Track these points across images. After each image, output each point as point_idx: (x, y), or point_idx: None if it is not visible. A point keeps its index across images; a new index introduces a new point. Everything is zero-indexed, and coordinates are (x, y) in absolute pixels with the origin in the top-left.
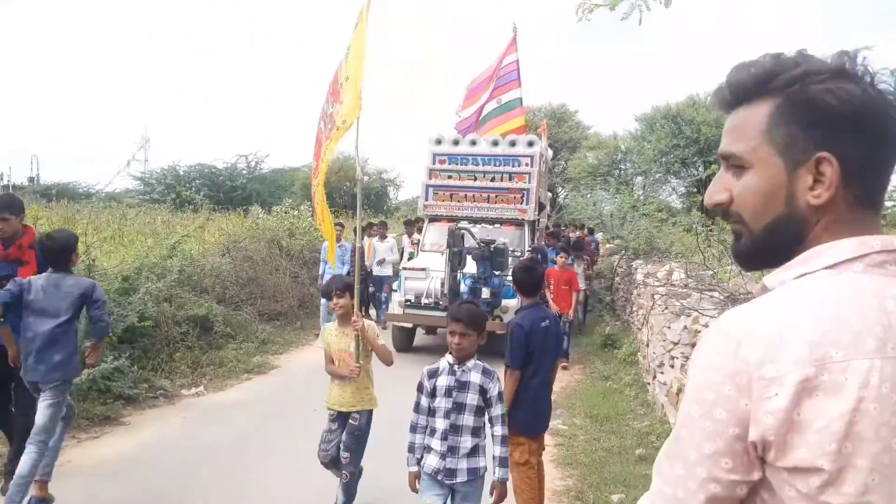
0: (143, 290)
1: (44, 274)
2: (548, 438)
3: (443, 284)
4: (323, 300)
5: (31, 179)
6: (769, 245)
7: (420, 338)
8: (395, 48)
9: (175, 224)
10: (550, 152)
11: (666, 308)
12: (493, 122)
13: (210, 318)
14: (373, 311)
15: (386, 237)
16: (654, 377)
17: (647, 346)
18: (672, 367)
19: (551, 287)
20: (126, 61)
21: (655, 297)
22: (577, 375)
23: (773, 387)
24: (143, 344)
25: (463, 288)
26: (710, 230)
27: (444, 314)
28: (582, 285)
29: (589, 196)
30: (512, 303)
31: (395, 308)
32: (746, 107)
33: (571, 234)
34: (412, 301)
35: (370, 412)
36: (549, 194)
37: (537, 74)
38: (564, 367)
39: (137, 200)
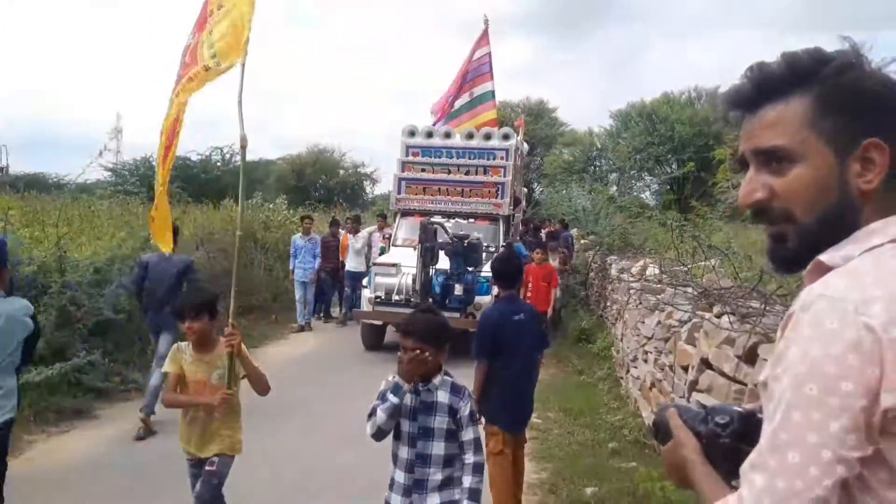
0: (115, 282)
1: None
2: None
3: (414, 281)
4: (298, 294)
5: None
6: (822, 237)
7: (391, 335)
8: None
9: (147, 216)
10: (526, 147)
11: (640, 303)
12: (465, 117)
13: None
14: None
15: (359, 231)
16: (628, 371)
17: (621, 340)
18: (645, 361)
19: (529, 285)
20: (98, 47)
21: (630, 292)
22: (552, 370)
23: None
24: (115, 337)
25: (435, 284)
26: (684, 226)
27: None
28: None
29: (564, 192)
30: (486, 300)
31: (365, 305)
32: (778, 102)
33: (543, 230)
34: (382, 298)
35: (232, 458)
36: (525, 189)
37: (513, 68)
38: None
39: (109, 192)
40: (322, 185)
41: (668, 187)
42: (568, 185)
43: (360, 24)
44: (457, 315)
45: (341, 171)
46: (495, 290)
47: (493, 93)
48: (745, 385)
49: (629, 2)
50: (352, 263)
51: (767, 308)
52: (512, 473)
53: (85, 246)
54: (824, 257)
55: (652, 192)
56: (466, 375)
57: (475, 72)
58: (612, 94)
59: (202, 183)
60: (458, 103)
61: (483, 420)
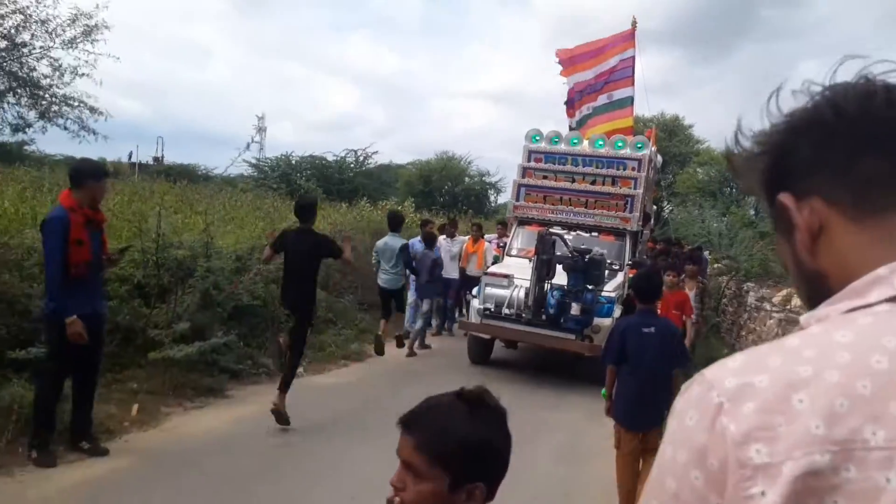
0: (254, 270)
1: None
2: None
3: (527, 295)
4: (412, 297)
5: (156, 159)
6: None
7: (499, 351)
8: None
9: (286, 210)
10: (660, 158)
11: (783, 334)
12: (600, 119)
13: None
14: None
15: (454, 235)
16: None
17: None
18: None
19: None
20: (246, 49)
21: (771, 321)
22: None
23: (759, 480)
24: (251, 322)
25: (550, 301)
26: None
27: (526, 328)
28: (695, 310)
29: (697, 212)
30: (605, 322)
31: (473, 316)
32: None
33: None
34: (492, 310)
35: None
36: (654, 207)
37: (648, 83)
38: None
39: (251, 185)
40: (448, 192)
41: None
42: (701, 206)
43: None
44: (572, 337)
45: (467, 179)
46: (617, 312)
47: (632, 99)
48: None
49: (775, 19)
50: (450, 270)
51: None
52: (634, 472)
53: (229, 234)
54: (805, 317)
55: None
56: (577, 404)
57: (620, 73)
58: (753, 115)
59: (336, 182)
60: (594, 104)
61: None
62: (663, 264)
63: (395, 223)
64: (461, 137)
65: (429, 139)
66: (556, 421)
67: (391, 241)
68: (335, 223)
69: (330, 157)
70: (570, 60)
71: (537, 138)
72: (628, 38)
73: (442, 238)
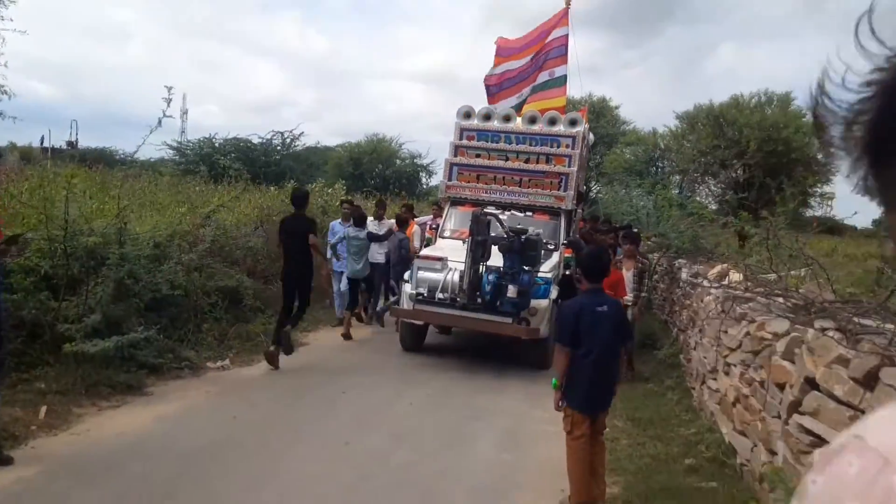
0: (174, 258)
1: None
2: None
3: (462, 278)
4: (337, 286)
5: (69, 144)
6: None
7: (433, 336)
8: None
9: (209, 194)
10: (592, 136)
11: (723, 311)
12: (535, 97)
13: (240, 290)
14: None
15: (383, 218)
16: (703, 383)
17: (694, 349)
18: (727, 374)
19: None
20: (166, 29)
21: (709, 298)
22: None
23: None
24: (171, 313)
25: (485, 284)
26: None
27: (461, 313)
28: (629, 294)
29: (624, 192)
30: (543, 303)
31: (405, 302)
32: None
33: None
34: (424, 295)
35: None
36: (585, 187)
37: (574, 65)
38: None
39: (173, 169)
40: (378, 174)
41: (734, 191)
42: (628, 186)
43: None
44: (509, 321)
45: (398, 161)
46: (554, 293)
47: (565, 77)
48: (862, 412)
49: (697, 2)
50: (376, 255)
51: None
52: (587, 456)
53: (146, 220)
54: None
55: (714, 197)
56: (516, 388)
57: (556, 51)
58: (677, 96)
59: (262, 165)
60: (534, 84)
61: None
62: (611, 242)
63: (360, 219)
64: (392, 120)
65: (359, 122)
66: (497, 406)
67: (359, 233)
68: (261, 206)
69: (256, 140)
70: (507, 49)
71: (470, 115)
72: (562, 16)
73: (370, 220)
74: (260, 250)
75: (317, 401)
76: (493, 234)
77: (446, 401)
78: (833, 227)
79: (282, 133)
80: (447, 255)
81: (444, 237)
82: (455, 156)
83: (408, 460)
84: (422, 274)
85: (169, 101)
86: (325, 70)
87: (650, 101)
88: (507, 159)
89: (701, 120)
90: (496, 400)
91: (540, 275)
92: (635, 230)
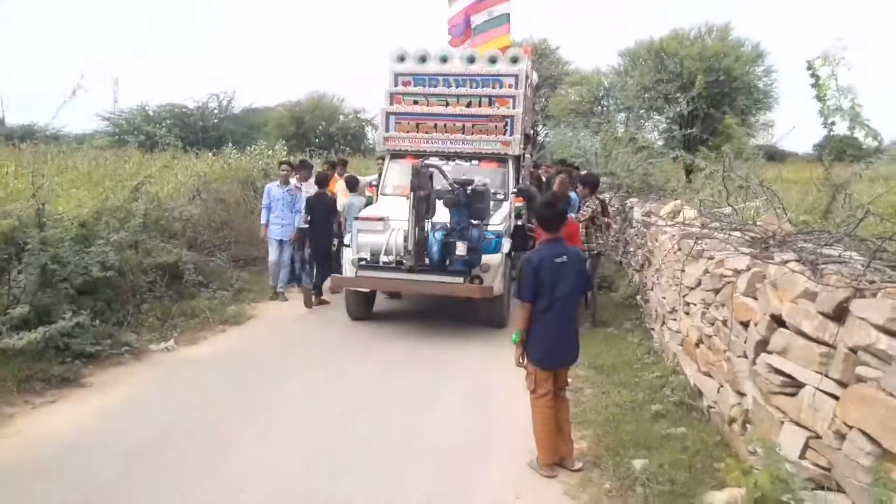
0: (103, 237)
1: None
2: None
3: (406, 238)
4: (272, 255)
5: None
6: None
7: (382, 302)
8: None
9: (139, 165)
10: (536, 76)
11: (679, 249)
12: (479, 38)
13: (180, 265)
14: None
15: (309, 178)
16: (664, 324)
17: (652, 289)
18: (687, 314)
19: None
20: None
21: (664, 236)
22: None
23: None
24: (106, 295)
25: (432, 243)
26: (715, 168)
27: (408, 276)
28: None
29: (571, 134)
30: (495, 259)
31: (347, 268)
32: None
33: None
34: (367, 260)
35: None
36: (532, 131)
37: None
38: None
39: (107, 142)
40: (322, 132)
41: (679, 126)
42: (574, 127)
43: None
44: (460, 280)
45: (341, 117)
46: (506, 246)
47: (508, 16)
48: (834, 347)
49: None
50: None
51: (876, 258)
52: (553, 413)
53: (63, 199)
54: None
55: (660, 132)
56: (476, 346)
57: None
58: (620, 33)
59: (199, 131)
60: (475, 19)
61: (522, 357)
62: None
63: (353, 184)
64: (333, 77)
65: (301, 81)
66: (457, 367)
67: (356, 201)
68: (200, 174)
69: (191, 105)
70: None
71: (404, 59)
72: None
73: (293, 181)
74: (199, 220)
75: (268, 378)
76: (436, 188)
77: (405, 365)
78: (774, 154)
79: (217, 96)
80: (389, 213)
81: (385, 194)
82: (391, 104)
83: (369, 431)
84: (363, 237)
85: (115, 80)
86: (264, 30)
87: (591, 40)
88: (447, 104)
89: (642, 56)
90: (456, 360)
91: (490, 228)
92: (583, 171)
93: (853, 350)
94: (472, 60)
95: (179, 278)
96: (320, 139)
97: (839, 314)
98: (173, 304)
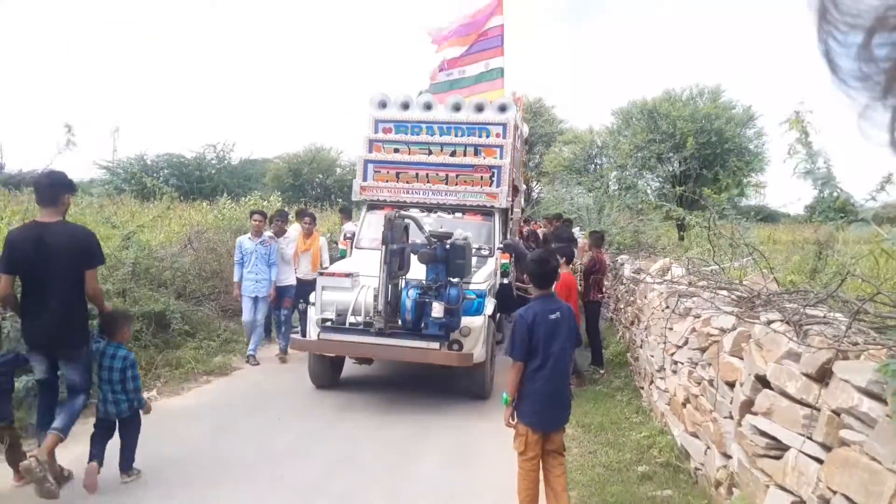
0: None
1: None
2: None
3: (376, 297)
4: (246, 315)
5: None
6: None
7: (350, 368)
8: None
9: (133, 213)
10: (526, 128)
11: (667, 307)
12: (476, 88)
13: (167, 314)
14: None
15: (285, 231)
16: (651, 382)
17: (641, 347)
18: (675, 372)
19: None
20: (95, 50)
21: (652, 294)
22: None
23: None
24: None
25: (405, 301)
26: (705, 224)
27: (377, 339)
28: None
29: (565, 190)
30: (476, 321)
31: (311, 329)
32: None
33: (539, 229)
34: (333, 321)
35: None
36: (524, 186)
37: (513, 65)
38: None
39: (104, 190)
40: (319, 184)
41: (671, 185)
42: (568, 184)
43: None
44: (436, 346)
45: (338, 170)
46: (490, 307)
47: (502, 70)
48: (818, 409)
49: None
50: (283, 275)
51: (858, 318)
52: (537, 477)
53: None
54: None
55: (653, 191)
56: (447, 427)
57: (491, 41)
58: (613, 93)
59: (196, 181)
60: (468, 70)
61: (513, 418)
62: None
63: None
64: (331, 130)
65: (299, 135)
66: (430, 451)
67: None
68: (192, 223)
69: (189, 154)
70: (443, 38)
71: (385, 105)
72: (497, 4)
73: (267, 234)
74: (190, 269)
75: (248, 432)
76: (412, 241)
77: (386, 423)
78: (768, 216)
79: (214, 146)
80: (361, 269)
81: (361, 248)
82: (370, 151)
83: (348, 487)
84: (328, 295)
85: (115, 129)
86: (262, 83)
87: (586, 99)
88: (430, 153)
89: (635, 115)
90: (428, 443)
91: (471, 287)
92: (575, 227)
93: (836, 412)
94: (457, 108)
95: (166, 327)
96: (317, 191)
97: (822, 376)
98: (158, 354)
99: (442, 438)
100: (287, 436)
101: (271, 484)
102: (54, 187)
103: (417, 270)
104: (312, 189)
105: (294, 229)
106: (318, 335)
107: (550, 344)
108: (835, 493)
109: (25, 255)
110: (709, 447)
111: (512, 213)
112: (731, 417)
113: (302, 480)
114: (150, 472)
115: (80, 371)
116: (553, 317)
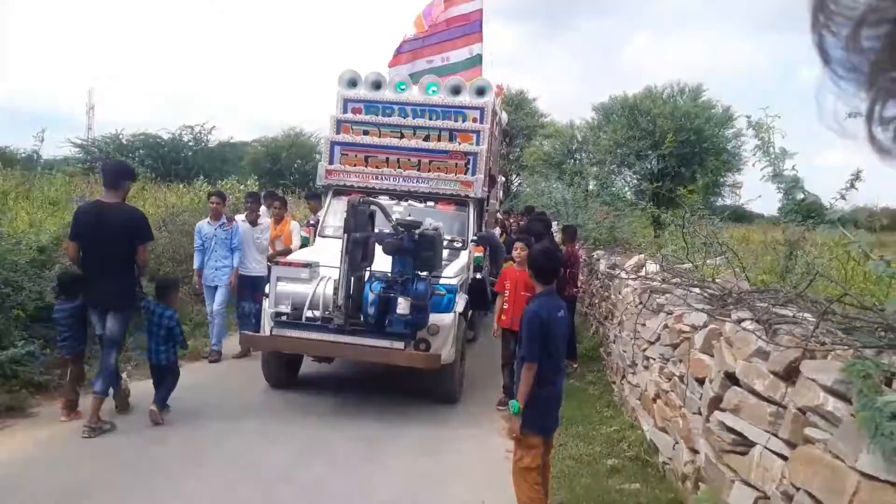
0: (60, 263)
1: None
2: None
3: (336, 290)
4: (210, 305)
5: None
6: None
7: (308, 365)
8: None
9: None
10: (505, 115)
11: (640, 303)
12: (464, 76)
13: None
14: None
15: (258, 217)
16: (623, 377)
17: (614, 342)
18: (646, 368)
19: (506, 293)
20: (74, 23)
21: (626, 290)
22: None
23: None
24: None
25: (368, 296)
26: (680, 222)
27: (336, 337)
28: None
29: (544, 185)
30: (446, 319)
31: (265, 324)
32: None
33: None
34: (288, 316)
35: None
36: (503, 178)
37: (492, 57)
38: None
39: (79, 169)
40: (298, 169)
41: (649, 181)
42: (547, 178)
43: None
44: (400, 345)
45: (317, 156)
46: (461, 304)
47: (481, 57)
48: (784, 407)
49: None
50: (257, 265)
51: (825, 318)
52: (541, 488)
53: (23, 220)
54: None
55: (630, 188)
56: (418, 430)
57: (471, 27)
58: (594, 88)
59: (172, 162)
60: (453, 56)
61: (521, 430)
62: (514, 234)
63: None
64: (312, 115)
65: (279, 118)
66: (396, 455)
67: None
68: (168, 205)
69: (165, 135)
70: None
71: (356, 83)
72: None
73: (240, 218)
74: (164, 252)
75: (218, 418)
76: (378, 231)
77: (347, 425)
78: (742, 215)
79: (191, 127)
80: (322, 259)
81: (325, 236)
82: (337, 132)
83: (315, 477)
84: (282, 286)
85: (90, 107)
86: (241, 62)
87: (567, 94)
88: (402, 136)
89: (616, 111)
90: (393, 446)
91: (441, 281)
92: (554, 222)
93: (802, 411)
94: (457, 91)
95: (138, 310)
96: (295, 176)
97: (790, 374)
98: (129, 337)
99: (412, 431)
100: (261, 418)
101: (241, 472)
102: (118, 174)
103: (383, 262)
104: (291, 174)
105: (267, 216)
106: (272, 330)
107: (560, 343)
108: (798, 489)
109: (87, 228)
110: (677, 442)
111: (488, 205)
112: (700, 413)
113: (272, 465)
114: (118, 456)
115: (119, 324)
116: (559, 314)
